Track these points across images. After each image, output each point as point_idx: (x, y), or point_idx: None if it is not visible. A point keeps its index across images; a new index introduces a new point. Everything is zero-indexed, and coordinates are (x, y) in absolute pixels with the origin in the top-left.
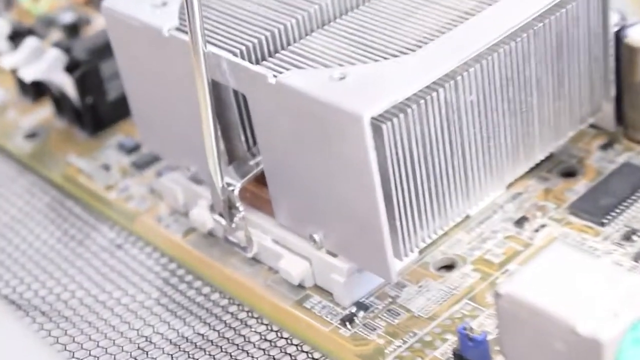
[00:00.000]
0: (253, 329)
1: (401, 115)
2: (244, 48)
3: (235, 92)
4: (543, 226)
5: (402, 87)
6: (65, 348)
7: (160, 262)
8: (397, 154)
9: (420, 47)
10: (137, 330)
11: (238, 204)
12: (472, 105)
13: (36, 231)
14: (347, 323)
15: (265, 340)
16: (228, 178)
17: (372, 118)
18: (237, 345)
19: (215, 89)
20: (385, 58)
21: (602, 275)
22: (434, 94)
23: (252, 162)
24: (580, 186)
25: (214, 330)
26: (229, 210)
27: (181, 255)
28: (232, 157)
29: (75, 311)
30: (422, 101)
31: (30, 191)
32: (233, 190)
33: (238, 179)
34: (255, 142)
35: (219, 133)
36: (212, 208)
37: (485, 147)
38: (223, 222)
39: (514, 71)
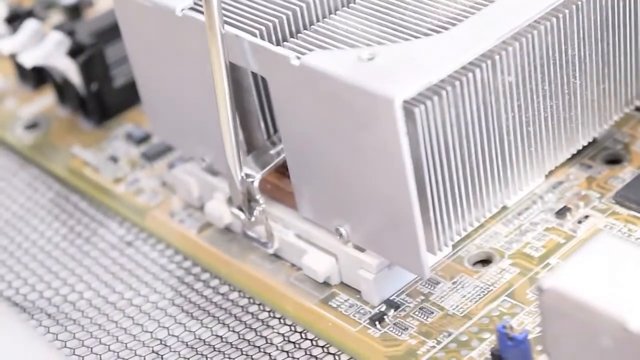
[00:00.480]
0: (275, 330)
1: (435, 98)
2: (263, 28)
3: (255, 76)
4: (586, 217)
5: (435, 68)
6: (74, 352)
7: (174, 259)
8: (430, 140)
9: (454, 24)
10: (151, 332)
11: (258, 196)
12: (511, 87)
13: (40, 228)
14: (377, 323)
15: (289, 341)
16: (247, 169)
17: (404, 101)
18: (259, 347)
19: (233, 72)
20: (416, 37)
21: None
22: (470, 75)
23: (272, 152)
24: (626, 174)
25: (234, 331)
26: (248, 203)
27: (196, 252)
28: (250, 146)
29: (83, 313)
30: (457, 83)
31: (32, 185)
32: (252, 182)
33: (258, 170)
34: (275, 130)
35: (237, 120)
36: (229, 201)
37: (525, 133)
38: (242, 216)
39: (555, 50)
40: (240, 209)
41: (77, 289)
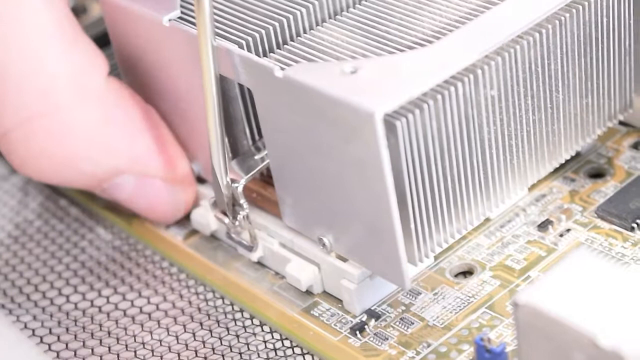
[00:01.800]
0: (258, 337)
1: (417, 112)
2: (250, 39)
3: (241, 86)
4: (568, 230)
5: (418, 81)
6: (58, 356)
7: (161, 265)
8: (412, 152)
9: (437, 38)
10: (134, 337)
11: (242, 201)
12: (493, 100)
13: (29, 231)
14: (358, 332)
15: (272, 349)
16: (232, 174)
17: (386, 114)
18: (241, 354)
19: (220, 82)
20: (400, 50)
21: (629, 285)
22: (452, 89)
23: (257, 157)
24: (609, 188)
25: (218, 337)
26: (233, 207)
27: (182, 259)
28: (235, 152)
29: (68, 315)
30: (439, 96)
31: (23, 190)
32: (237, 187)
33: (242, 174)
34: (260, 136)
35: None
36: (214, 205)
37: (507, 146)
38: (226, 220)
39: (538, 65)
40: (225, 213)
41: (63, 292)
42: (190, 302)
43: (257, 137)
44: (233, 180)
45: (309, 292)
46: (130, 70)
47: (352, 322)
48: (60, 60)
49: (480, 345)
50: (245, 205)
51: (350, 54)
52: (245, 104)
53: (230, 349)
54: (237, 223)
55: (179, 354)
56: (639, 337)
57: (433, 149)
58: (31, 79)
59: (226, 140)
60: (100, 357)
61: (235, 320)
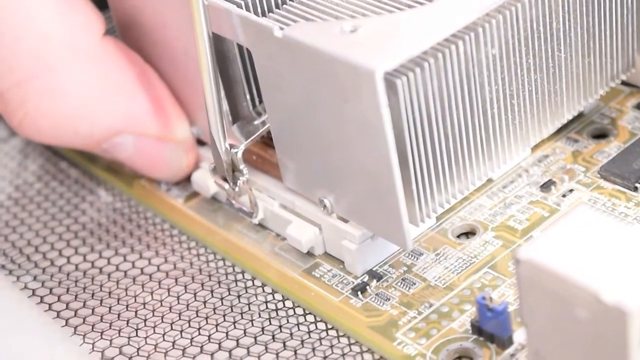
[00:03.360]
0: (259, 297)
1: (417, 70)
2: None
3: (240, 46)
4: (571, 191)
5: (418, 39)
6: (58, 315)
7: (162, 227)
8: (412, 112)
9: None
10: (135, 297)
11: (242, 167)
12: (494, 59)
13: (29, 193)
14: (359, 293)
15: (274, 309)
16: (232, 140)
17: (386, 73)
18: (242, 313)
19: (218, 42)
20: (400, 9)
21: (631, 241)
22: (453, 47)
23: (257, 122)
24: (612, 148)
25: (219, 298)
26: (232, 173)
27: (183, 221)
28: (235, 116)
29: (68, 276)
30: (440, 55)
31: (23, 152)
32: (236, 152)
33: (242, 140)
34: (260, 100)
35: (222, 90)
36: (214, 171)
37: (509, 105)
38: (226, 186)
39: (540, 23)
40: (225, 179)
41: (64, 253)
42: (191, 264)
43: (257, 101)
44: (232, 146)
45: (310, 254)
46: (128, 32)
47: (353, 282)
48: (54, 20)
49: (482, 304)
50: (245, 171)
51: (349, 13)
52: (245, 66)
53: (232, 309)
54: (237, 189)
55: (180, 314)
56: None
57: (434, 108)
58: (24, 40)
59: (226, 105)
60: (101, 317)
61: (236, 281)
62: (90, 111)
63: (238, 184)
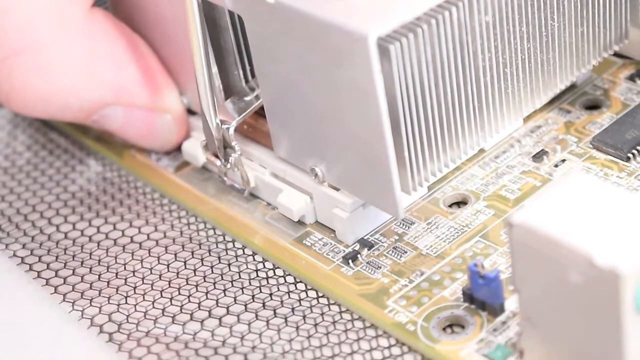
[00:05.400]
0: (250, 266)
1: (410, 36)
2: None
3: (232, 14)
4: (563, 161)
5: (411, 5)
6: (48, 283)
7: (152, 196)
8: (405, 78)
9: None
10: (125, 265)
11: (234, 143)
12: (488, 27)
13: (18, 162)
14: (350, 261)
15: (264, 277)
16: (223, 115)
17: (379, 38)
18: (232, 281)
19: (210, 11)
20: None
21: (624, 206)
22: (447, 14)
23: (249, 97)
24: (605, 119)
25: (209, 266)
26: (224, 149)
27: (174, 190)
28: (228, 91)
29: (57, 244)
30: (433, 21)
31: (13, 122)
32: (228, 129)
33: (234, 116)
34: (253, 74)
35: (214, 63)
36: (205, 147)
37: (502, 74)
38: (217, 162)
39: None
40: (216, 155)
41: (53, 222)
42: (181, 232)
43: (249, 76)
44: (223, 122)
45: (301, 222)
46: (119, 2)
47: (344, 251)
48: None
49: (473, 271)
50: (237, 147)
51: None
52: (237, 36)
53: (222, 277)
54: (228, 165)
55: (169, 282)
56: (635, 256)
57: (427, 74)
58: (10, 14)
59: (219, 80)
60: (90, 284)
61: (227, 249)
62: (79, 84)
63: (230, 161)
